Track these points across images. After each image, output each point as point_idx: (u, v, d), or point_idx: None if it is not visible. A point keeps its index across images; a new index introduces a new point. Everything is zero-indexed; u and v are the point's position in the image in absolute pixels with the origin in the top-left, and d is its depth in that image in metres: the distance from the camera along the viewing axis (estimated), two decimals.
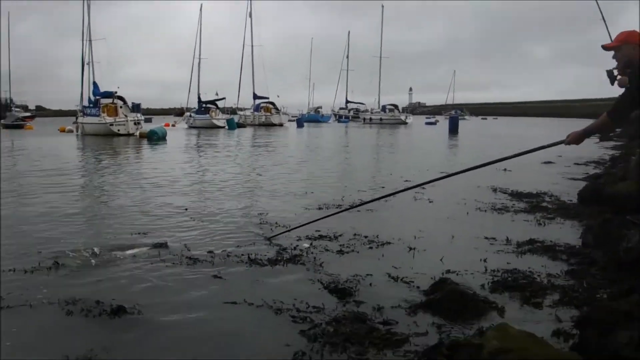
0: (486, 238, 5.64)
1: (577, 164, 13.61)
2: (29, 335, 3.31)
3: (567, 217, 6.70)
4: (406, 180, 9.94)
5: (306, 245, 5.39)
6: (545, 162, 13.28)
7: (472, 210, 7.40)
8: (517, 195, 8.51)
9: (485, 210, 7.37)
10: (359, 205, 6.78)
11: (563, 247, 5.20)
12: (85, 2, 36.18)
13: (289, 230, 5.74)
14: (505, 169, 10.91)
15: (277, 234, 5.73)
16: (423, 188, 7.14)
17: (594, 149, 18.43)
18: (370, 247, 5.39)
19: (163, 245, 5.30)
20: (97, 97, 32.47)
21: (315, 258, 4.94)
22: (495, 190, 9.05)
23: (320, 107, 77.20)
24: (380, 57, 67.39)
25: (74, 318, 3.54)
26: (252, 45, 57.20)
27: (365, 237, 5.73)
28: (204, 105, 47.16)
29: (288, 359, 2.92)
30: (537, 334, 2.69)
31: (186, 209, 7.44)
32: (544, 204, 7.69)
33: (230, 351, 3.08)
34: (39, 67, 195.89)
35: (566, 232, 5.92)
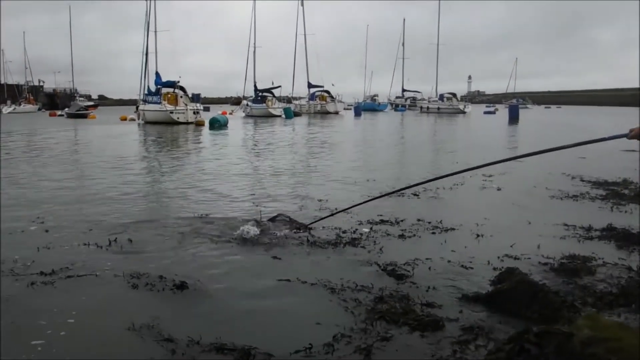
0: (566, 225, 5.35)
1: None
2: (97, 303, 3.43)
3: None
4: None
5: (366, 229, 5.25)
6: (627, 150, 12.20)
7: (544, 197, 7.02)
8: (591, 183, 8.04)
9: (562, 198, 6.97)
10: (415, 185, 6.17)
11: None
12: None
13: (342, 211, 5.61)
14: (580, 157, 10.28)
15: (327, 216, 5.55)
16: (491, 175, 6.80)
17: None
18: (433, 233, 5.19)
19: (225, 227, 5.31)
20: (159, 87, 33.48)
21: (375, 242, 4.81)
22: (569, 177, 8.60)
23: (377, 96, 76.27)
24: (438, 44, 65.29)
25: (138, 290, 3.62)
26: (304, 34, 56.94)
27: (429, 222, 5.53)
28: (260, 93, 47.42)
29: (327, 339, 2.86)
30: None
31: (253, 194, 7.45)
32: (623, 192, 7.19)
33: (273, 329, 3.06)
34: (101, 58, 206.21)
35: None
